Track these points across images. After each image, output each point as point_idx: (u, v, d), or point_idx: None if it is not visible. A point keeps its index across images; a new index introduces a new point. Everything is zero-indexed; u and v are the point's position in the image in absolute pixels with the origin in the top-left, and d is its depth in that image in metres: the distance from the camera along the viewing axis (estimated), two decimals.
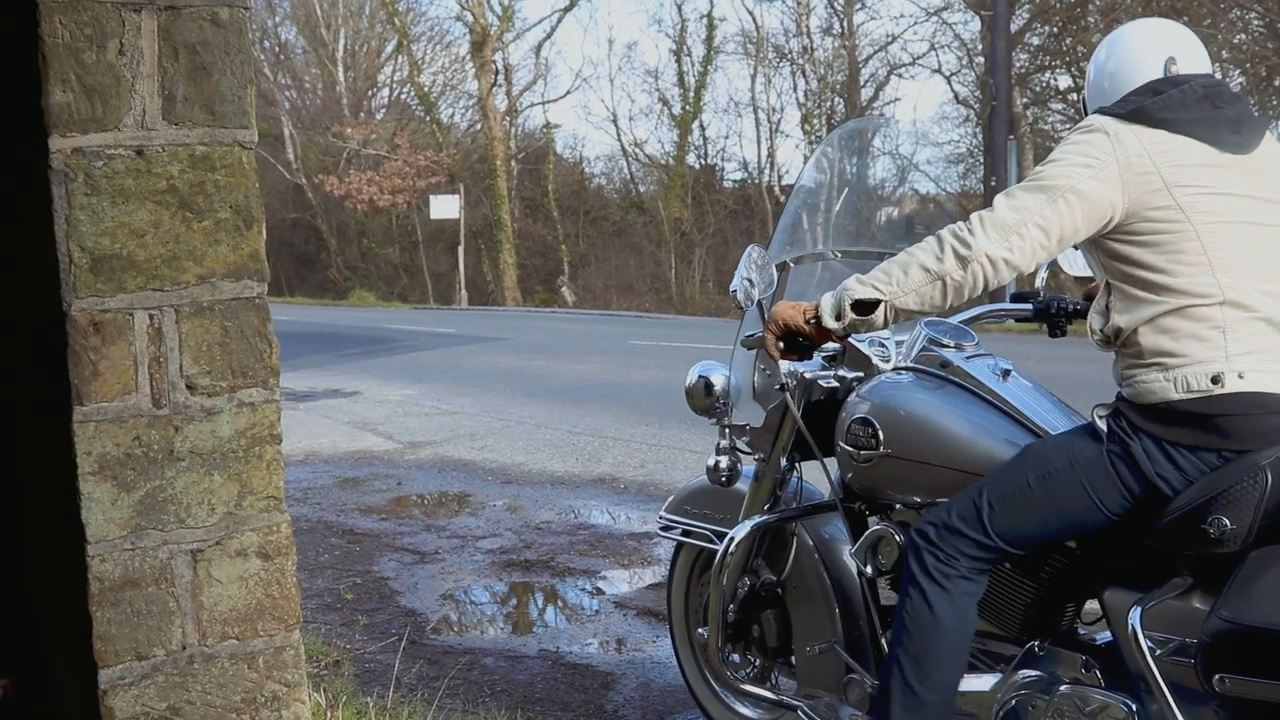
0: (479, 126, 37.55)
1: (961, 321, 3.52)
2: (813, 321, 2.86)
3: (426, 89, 38.56)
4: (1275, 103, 22.10)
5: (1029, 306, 3.64)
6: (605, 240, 34.80)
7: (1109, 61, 2.84)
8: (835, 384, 3.39)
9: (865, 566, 3.20)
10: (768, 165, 32.97)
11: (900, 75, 32.04)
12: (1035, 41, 27.38)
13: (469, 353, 16.61)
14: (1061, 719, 2.79)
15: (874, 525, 3.23)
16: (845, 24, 31.25)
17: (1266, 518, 2.43)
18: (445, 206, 34.03)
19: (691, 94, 33.71)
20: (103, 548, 1.91)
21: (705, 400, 3.66)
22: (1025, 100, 26.38)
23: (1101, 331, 2.75)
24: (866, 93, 31.58)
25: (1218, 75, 2.70)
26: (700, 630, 3.66)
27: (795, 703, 3.45)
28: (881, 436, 3.13)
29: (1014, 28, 24.38)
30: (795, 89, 32.89)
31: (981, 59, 27.56)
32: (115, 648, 1.94)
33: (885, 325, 2.79)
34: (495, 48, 35.59)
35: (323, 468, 8.92)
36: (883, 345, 3.43)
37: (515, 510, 7.27)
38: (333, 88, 40.41)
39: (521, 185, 36.72)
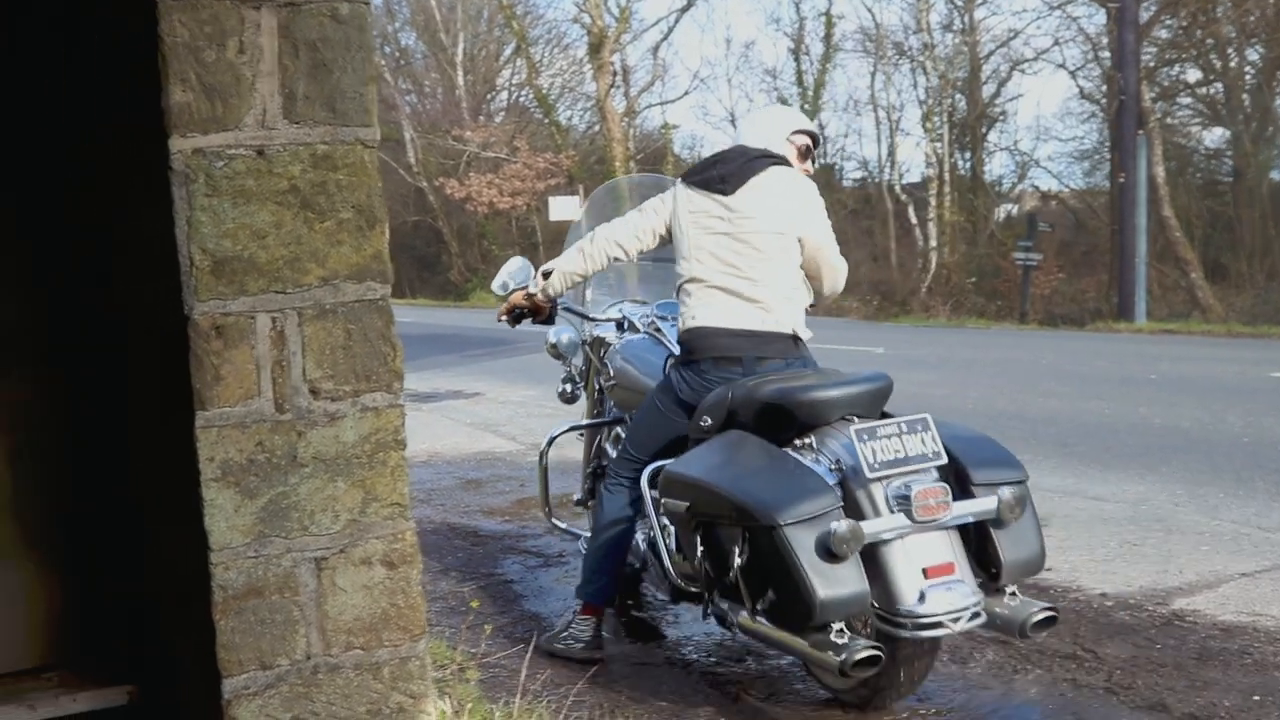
0: (597, 128, 37.63)
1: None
2: (530, 295, 4.79)
3: (545, 91, 38.71)
4: None
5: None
6: None
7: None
8: (614, 341, 5.22)
9: (608, 448, 5.19)
10: (888, 164, 32.60)
11: (1023, 71, 31.36)
12: (1163, 35, 26.75)
13: None
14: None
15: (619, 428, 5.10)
16: (966, 20, 30.80)
17: (729, 416, 4.10)
18: (565, 208, 34.08)
19: (810, 93, 33.44)
20: (226, 555, 1.88)
21: (554, 350, 5.49)
22: (1153, 95, 25.75)
23: None
24: (988, 89, 31.14)
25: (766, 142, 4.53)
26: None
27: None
28: (610, 373, 5.12)
29: (1141, 20, 23.81)
30: (915, 86, 32.35)
31: (1107, 53, 27.00)
32: (239, 657, 1.91)
33: (562, 285, 4.71)
34: (613, 49, 35.61)
35: (445, 469, 8.95)
36: (644, 317, 5.16)
37: None
38: (452, 91, 40.74)
39: None
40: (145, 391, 2.13)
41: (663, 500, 4.08)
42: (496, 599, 5.51)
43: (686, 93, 60.17)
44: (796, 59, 33.85)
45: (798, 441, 3.87)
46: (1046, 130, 38.49)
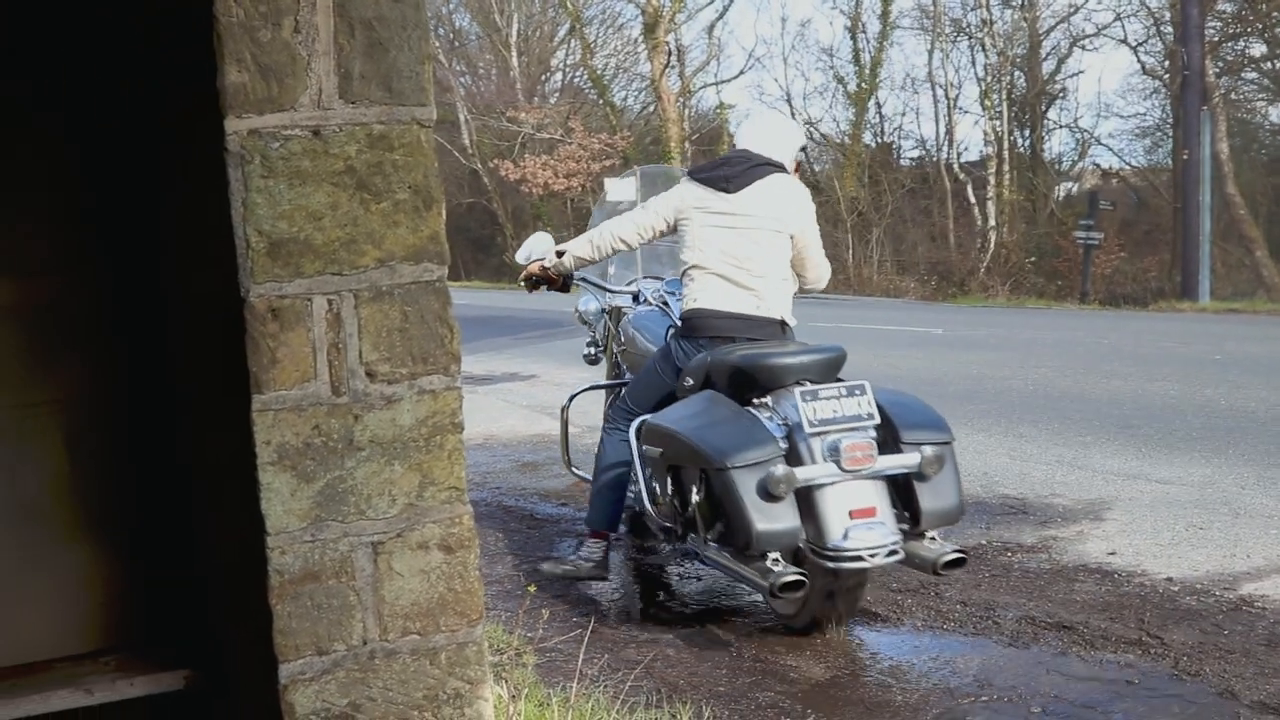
0: (652, 108, 37.54)
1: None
2: (545, 267, 5.45)
3: (599, 72, 38.66)
4: None
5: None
6: None
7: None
8: (628, 311, 5.94)
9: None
10: (946, 142, 32.32)
11: (1083, 47, 30.96)
12: (1228, 8, 26.33)
13: None
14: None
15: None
16: None
17: (706, 379, 4.77)
18: (621, 189, 34.04)
19: (867, 71, 33.18)
20: (282, 539, 1.86)
21: (580, 318, 6.56)
22: (1217, 69, 25.35)
23: None
24: (1048, 66, 30.80)
25: (759, 149, 5.17)
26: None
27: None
28: (623, 340, 5.90)
29: None
30: (974, 64, 32.15)
31: (1169, 28, 26.63)
32: (296, 642, 1.89)
33: (572, 264, 5.39)
34: (668, 29, 35.48)
35: (501, 452, 8.96)
36: (655, 291, 5.83)
37: None
38: (506, 73, 40.75)
39: None
40: (199, 376, 2.12)
41: (643, 447, 4.85)
42: (553, 583, 5.50)
43: (742, 72, 59.87)
44: (853, 37, 33.60)
45: (757, 401, 4.52)
46: (1108, 107, 37.81)
